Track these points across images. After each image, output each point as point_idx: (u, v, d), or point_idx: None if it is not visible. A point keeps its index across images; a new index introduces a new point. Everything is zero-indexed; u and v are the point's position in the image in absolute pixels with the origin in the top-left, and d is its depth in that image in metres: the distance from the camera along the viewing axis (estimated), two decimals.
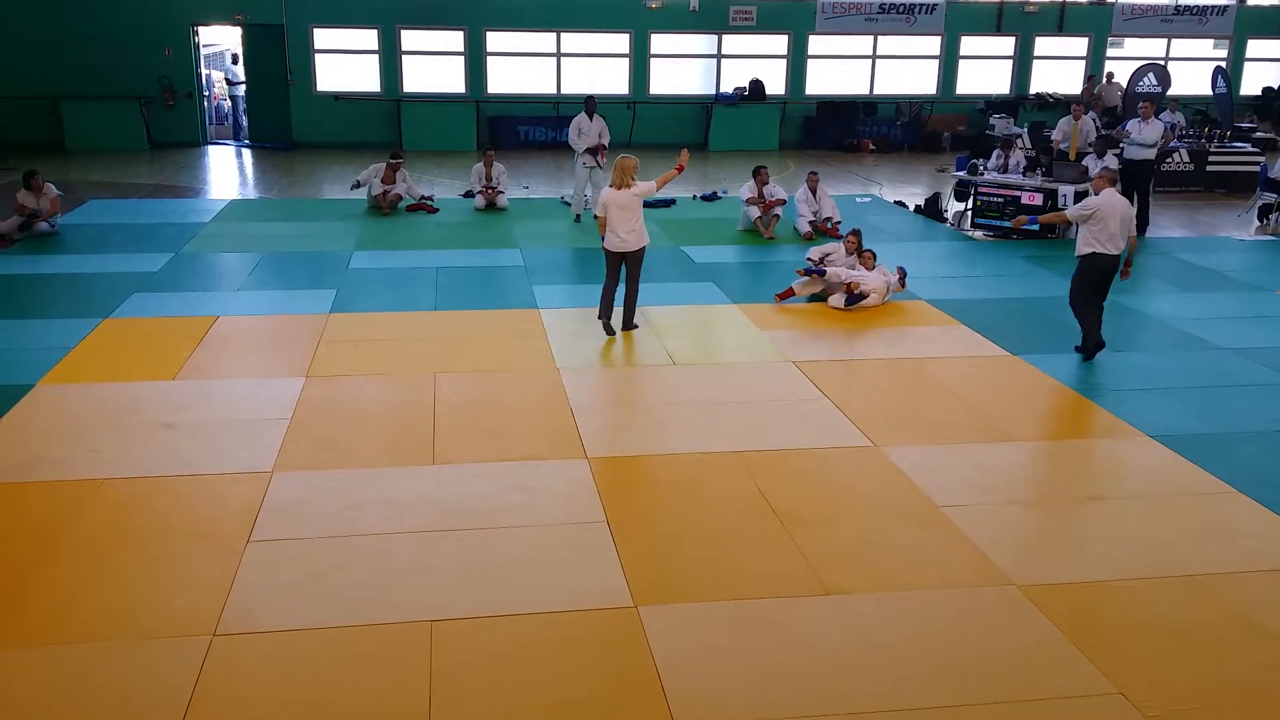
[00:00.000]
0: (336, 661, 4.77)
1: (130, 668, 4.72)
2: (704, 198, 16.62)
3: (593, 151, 14.40)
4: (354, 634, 4.96)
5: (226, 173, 19.52)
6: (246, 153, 21.66)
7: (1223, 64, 23.92)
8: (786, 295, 10.63)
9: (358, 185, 15.33)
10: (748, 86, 23.13)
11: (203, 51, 22.93)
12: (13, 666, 4.70)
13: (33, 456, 6.82)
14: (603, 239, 9.44)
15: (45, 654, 4.80)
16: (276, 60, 21.92)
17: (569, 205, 15.48)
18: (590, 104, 14.52)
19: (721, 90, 23.39)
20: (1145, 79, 20.76)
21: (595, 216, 9.30)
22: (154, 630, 4.97)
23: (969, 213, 14.85)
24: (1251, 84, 25.47)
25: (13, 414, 7.49)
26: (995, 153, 15.45)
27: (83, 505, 6.19)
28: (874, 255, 10.81)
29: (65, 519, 6.02)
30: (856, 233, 11.13)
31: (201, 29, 22.44)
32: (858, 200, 16.72)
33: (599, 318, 9.40)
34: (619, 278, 9.44)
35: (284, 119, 22.12)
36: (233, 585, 5.34)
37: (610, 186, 9.23)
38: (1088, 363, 9.03)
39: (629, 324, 9.51)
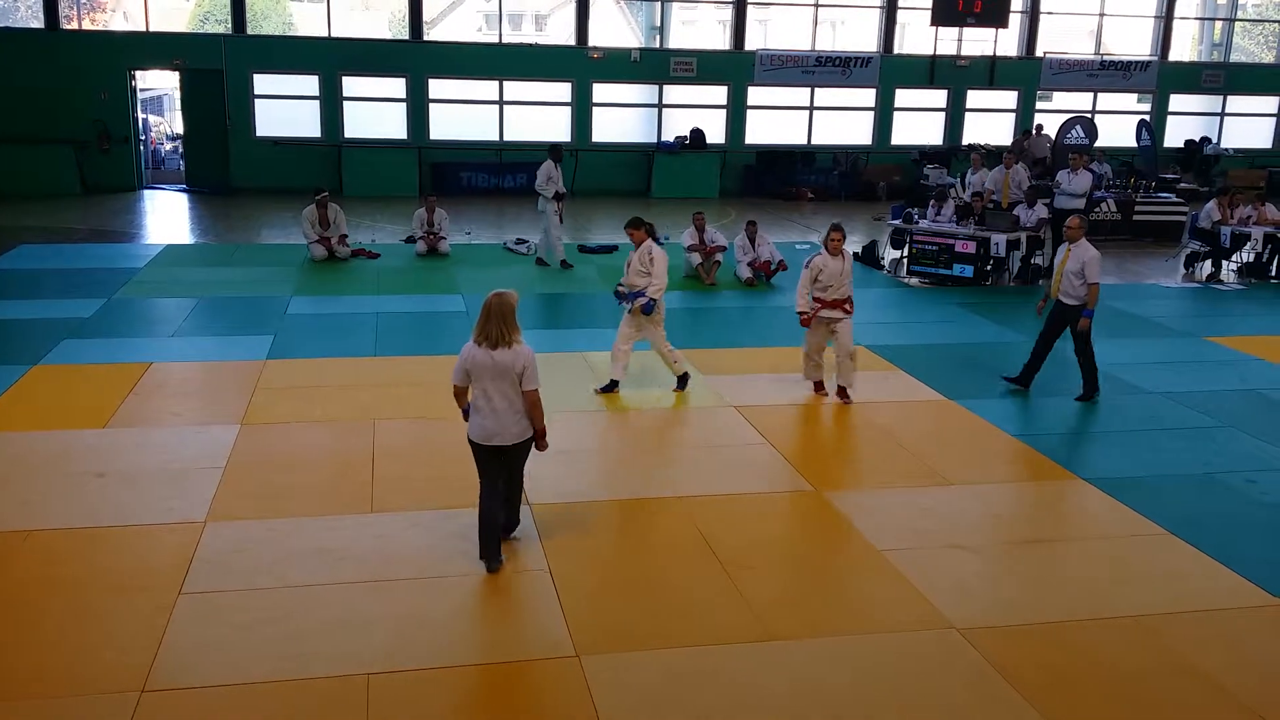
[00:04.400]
0: (271, 718, 4.65)
1: None
2: None
3: (560, 198, 14.49)
4: (289, 689, 4.84)
5: (162, 217, 19.25)
6: (183, 197, 21.40)
7: (1146, 117, 24.73)
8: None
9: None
10: (689, 135, 23.41)
11: (139, 96, 22.69)
12: None
13: None
14: (465, 418, 6.07)
15: None
16: (215, 105, 21.76)
17: (512, 252, 15.64)
18: (557, 152, 14.75)
19: (663, 139, 23.65)
20: (1073, 131, 21.39)
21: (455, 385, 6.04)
22: (80, 687, 4.81)
23: (905, 260, 15.11)
24: (1174, 137, 26.35)
25: None
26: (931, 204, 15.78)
27: (7, 557, 5.99)
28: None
29: None
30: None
31: (139, 73, 22.22)
32: (797, 247, 16.92)
33: (481, 558, 6.01)
34: (499, 484, 6.08)
35: (222, 164, 21.92)
36: (163, 639, 5.19)
37: (477, 341, 5.89)
38: (1024, 407, 9.18)
39: (509, 527, 6.29)
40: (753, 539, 6.51)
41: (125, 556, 6.07)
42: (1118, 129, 24.32)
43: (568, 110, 23.29)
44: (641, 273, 8.90)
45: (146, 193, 21.71)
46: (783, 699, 4.89)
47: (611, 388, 9.19)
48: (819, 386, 9.35)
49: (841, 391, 9.17)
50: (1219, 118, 26.90)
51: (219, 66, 21.59)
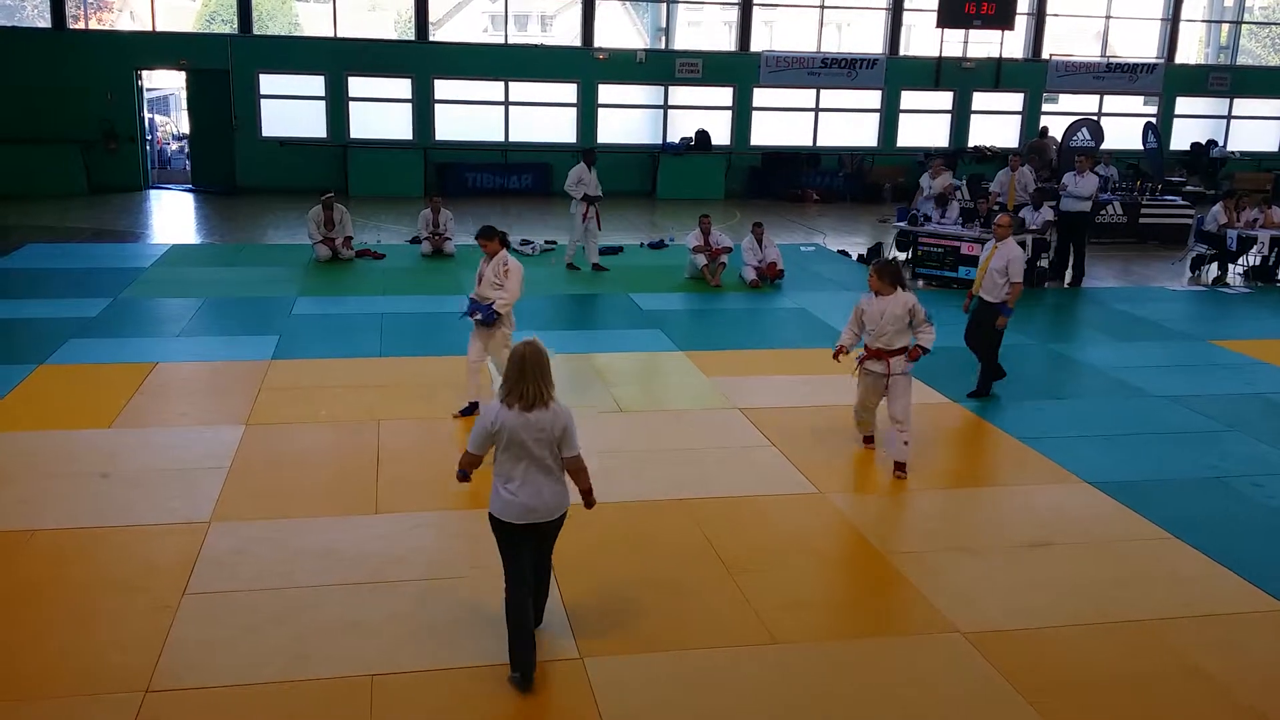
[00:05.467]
0: (274, 718, 4.65)
1: None
2: (652, 245, 16.73)
3: (590, 201, 14.38)
4: (292, 690, 4.84)
5: (168, 217, 19.28)
6: (189, 197, 21.43)
7: (1153, 120, 24.69)
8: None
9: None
10: (694, 137, 23.41)
11: (146, 96, 22.74)
12: None
13: None
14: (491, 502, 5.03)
15: None
16: (221, 105, 21.79)
17: (518, 252, 15.59)
18: (590, 156, 14.63)
19: (668, 140, 23.65)
20: (1079, 133, 21.35)
21: (470, 450, 5.09)
22: (84, 687, 4.81)
23: (910, 262, 15.09)
24: (1180, 140, 26.30)
25: None
26: (928, 185, 15.78)
27: (11, 557, 6.00)
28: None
29: None
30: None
31: (145, 73, 22.26)
32: (802, 249, 16.92)
33: (514, 672, 4.92)
34: (528, 570, 5.05)
35: (228, 164, 21.95)
36: (167, 640, 5.19)
37: (508, 402, 4.86)
38: (1028, 410, 9.17)
39: (535, 621, 5.17)
40: (757, 542, 6.51)
41: (129, 557, 6.07)
42: (1124, 131, 24.28)
43: (573, 111, 23.30)
44: (494, 284, 8.22)
45: (152, 193, 21.75)
46: (787, 704, 4.88)
47: (470, 410, 8.41)
48: (868, 440, 8.16)
49: (898, 466, 7.63)
50: (1225, 121, 26.84)
51: (225, 66, 21.62)
